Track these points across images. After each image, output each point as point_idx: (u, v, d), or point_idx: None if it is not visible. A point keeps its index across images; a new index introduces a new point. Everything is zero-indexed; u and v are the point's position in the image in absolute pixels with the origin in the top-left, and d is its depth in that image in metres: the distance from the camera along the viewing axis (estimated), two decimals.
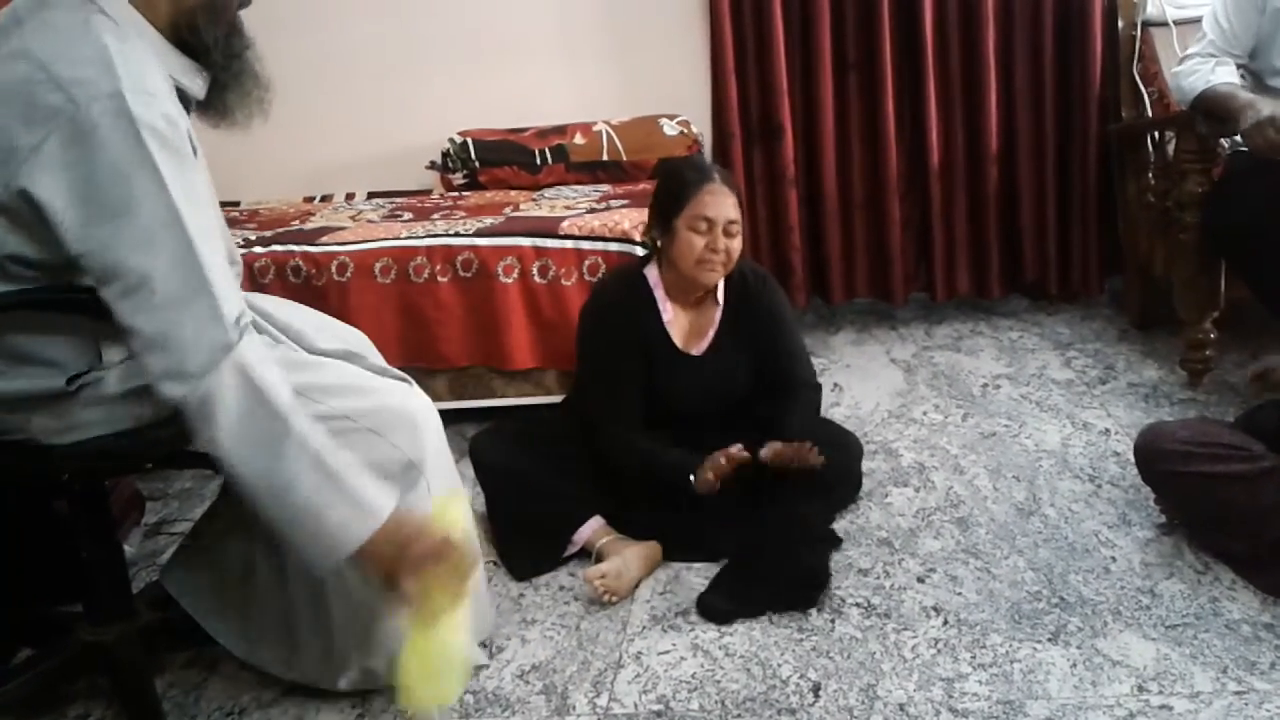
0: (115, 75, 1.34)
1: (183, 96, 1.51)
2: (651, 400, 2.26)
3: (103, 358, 1.48)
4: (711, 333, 2.28)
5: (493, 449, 2.32)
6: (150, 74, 1.39)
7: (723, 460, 2.09)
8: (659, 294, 2.26)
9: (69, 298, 1.42)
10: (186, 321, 1.35)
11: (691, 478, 2.11)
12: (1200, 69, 2.60)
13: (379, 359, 1.93)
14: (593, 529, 2.21)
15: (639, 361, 2.23)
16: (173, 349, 1.35)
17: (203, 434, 1.37)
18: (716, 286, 2.29)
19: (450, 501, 1.37)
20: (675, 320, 2.27)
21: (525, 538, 2.22)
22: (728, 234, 2.17)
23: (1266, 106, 2.39)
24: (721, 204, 2.16)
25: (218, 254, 1.40)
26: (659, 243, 2.24)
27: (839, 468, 2.26)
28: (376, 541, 1.42)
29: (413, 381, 1.78)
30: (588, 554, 2.20)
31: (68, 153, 1.32)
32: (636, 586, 2.10)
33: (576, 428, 2.34)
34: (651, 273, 2.28)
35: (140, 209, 1.33)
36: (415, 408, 1.70)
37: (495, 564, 2.21)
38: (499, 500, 2.29)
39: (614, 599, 2.04)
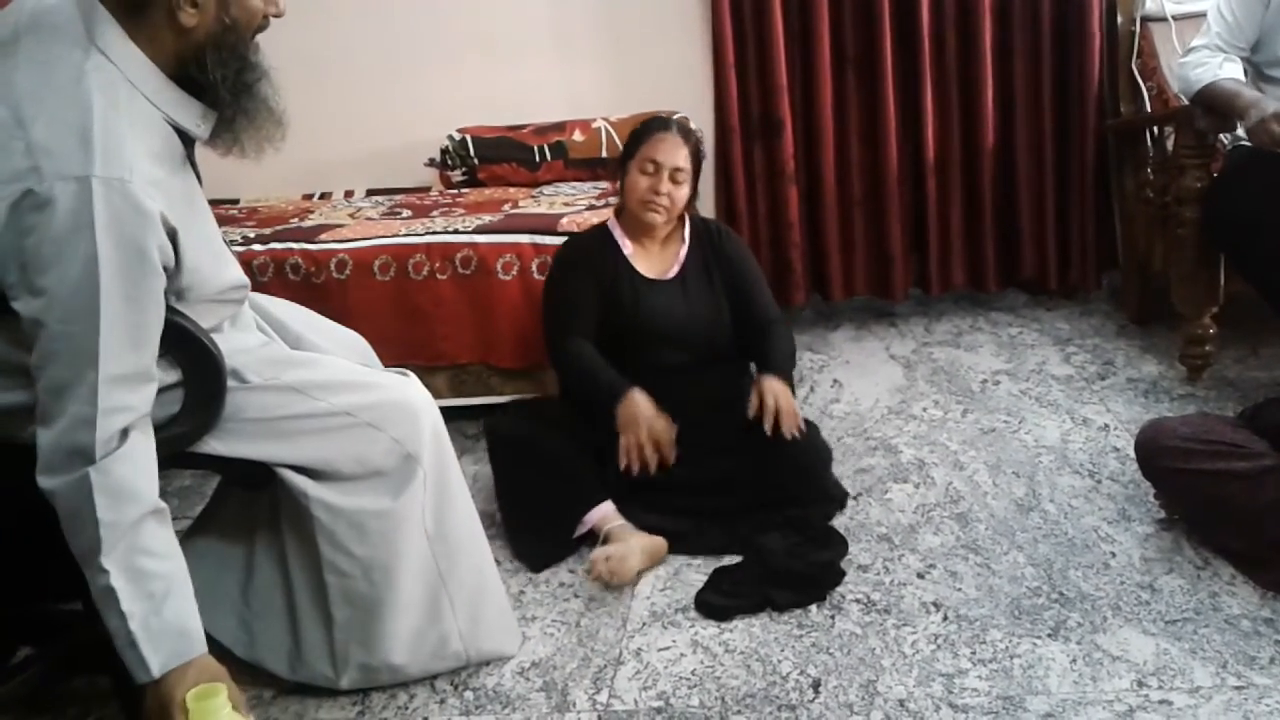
0: (90, 154, 1.31)
1: (184, 135, 1.50)
2: (628, 332, 2.38)
3: None
4: (677, 265, 2.43)
5: (510, 424, 2.38)
6: (129, 153, 1.36)
7: (641, 455, 2.21)
8: (618, 232, 2.45)
9: None
10: (60, 417, 1.35)
11: (617, 408, 2.24)
12: (1209, 62, 2.60)
13: (377, 364, 1.93)
14: (603, 513, 2.23)
15: (593, 289, 2.38)
16: (44, 435, 1.36)
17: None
18: (683, 226, 2.46)
19: (208, 699, 1.29)
20: (637, 254, 2.43)
21: (538, 515, 2.25)
22: (674, 180, 2.34)
23: (1271, 104, 2.39)
24: (671, 151, 2.34)
25: (133, 356, 1.38)
26: (619, 186, 2.44)
27: (813, 478, 2.31)
28: (147, 696, 1.39)
29: (411, 374, 1.78)
30: (594, 538, 2.21)
31: (19, 218, 1.31)
32: (639, 576, 2.10)
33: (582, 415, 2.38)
34: (612, 219, 2.50)
35: (61, 294, 1.32)
36: (414, 399, 1.71)
37: (496, 561, 2.21)
38: (513, 475, 2.32)
39: (616, 580, 2.05)
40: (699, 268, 2.44)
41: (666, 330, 2.37)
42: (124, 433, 1.39)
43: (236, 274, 1.63)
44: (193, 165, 1.57)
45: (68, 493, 1.36)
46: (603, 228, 2.49)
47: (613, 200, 3.01)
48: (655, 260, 2.45)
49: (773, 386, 2.27)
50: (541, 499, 2.25)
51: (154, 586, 1.40)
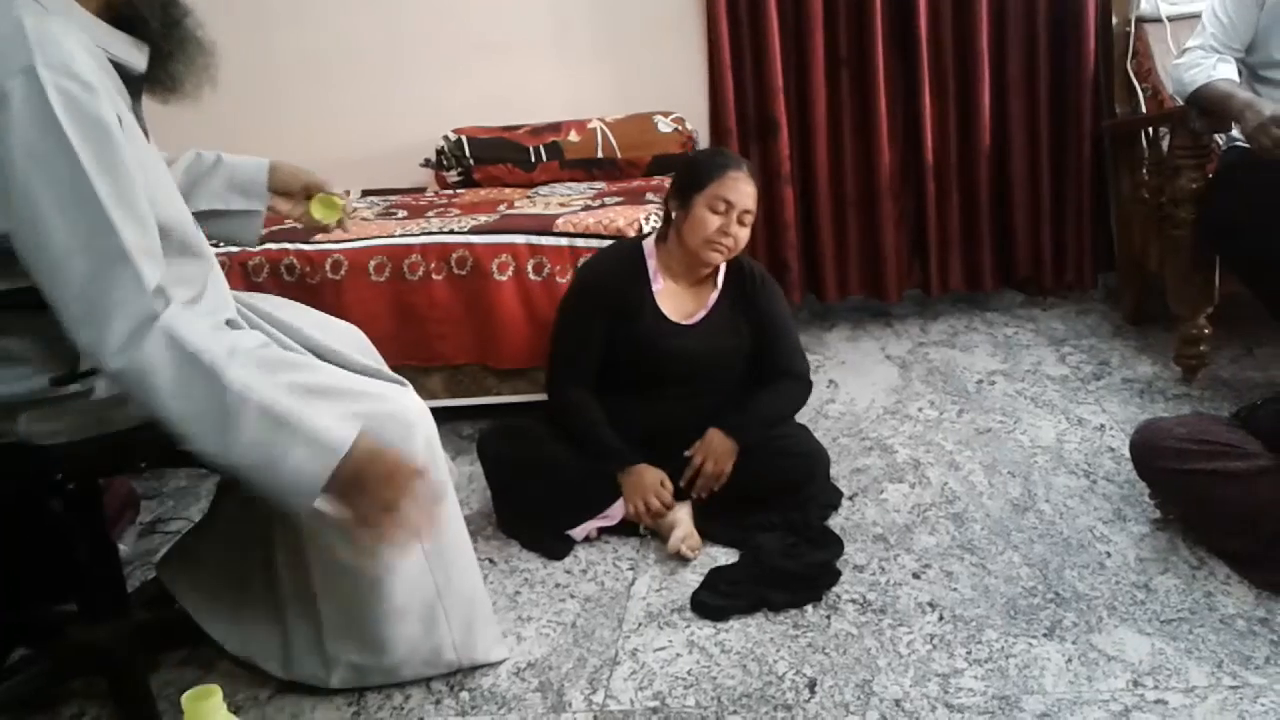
0: (29, 49, 1.33)
1: (125, 75, 1.50)
2: (639, 366, 2.32)
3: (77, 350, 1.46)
4: (703, 312, 2.34)
5: (502, 446, 2.35)
6: (68, 47, 1.37)
7: (650, 507, 2.22)
8: (651, 265, 2.34)
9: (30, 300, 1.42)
10: (109, 294, 1.34)
11: (619, 474, 2.24)
12: (1202, 63, 2.61)
13: (376, 355, 1.92)
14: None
15: (606, 328, 2.30)
16: (97, 323, 1.34)
17: (145, 406, 1.37)
18: (717, 271, 2.36)
19: (203, 699, 1.26)
20: (666, 291, 2.34)
21: (549, 526, 2.27)
22: (741, 222, 2.25)
23: (1267, 107, 2.39)
24: (744, 191, 2.24)
25: (139, 223, 1.39)
26: (674, 215, 2.30)
27: (804, 477, 2.30)
28: (342, 479, 1.41)
29: (408, 383, 1.77)
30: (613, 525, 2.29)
31: None
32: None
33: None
34: (649, 245, 2.36)
35: (53, 184, 1.33)
36: (408, 410, 1.69)
37: (491, 561, 2.21)
38: (515, 495, 2.32)
39: (699, 551, 2.17)
40: (725, 314, 2.35)
41: (679, 373, 2.32)
42: (161, 290, 1.39)
43: (195, 228, 1.63)
44: (139, 119, 1.57)
45: (154, 352, 1.35)
46: (636, 251, 2.36)
47: (609, 200, 3.02)
48: (684, 301, 2.34)
49: (713, 446, 2.25)
50: (549, 512, 2.27)
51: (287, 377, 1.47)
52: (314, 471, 1.39)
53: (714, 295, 2.35)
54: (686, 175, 2.30)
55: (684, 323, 2.33)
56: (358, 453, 1.41)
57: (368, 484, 1.42)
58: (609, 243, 2.60)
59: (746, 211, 2.25)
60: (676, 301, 2.34)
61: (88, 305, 1.34)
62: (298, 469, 1.39)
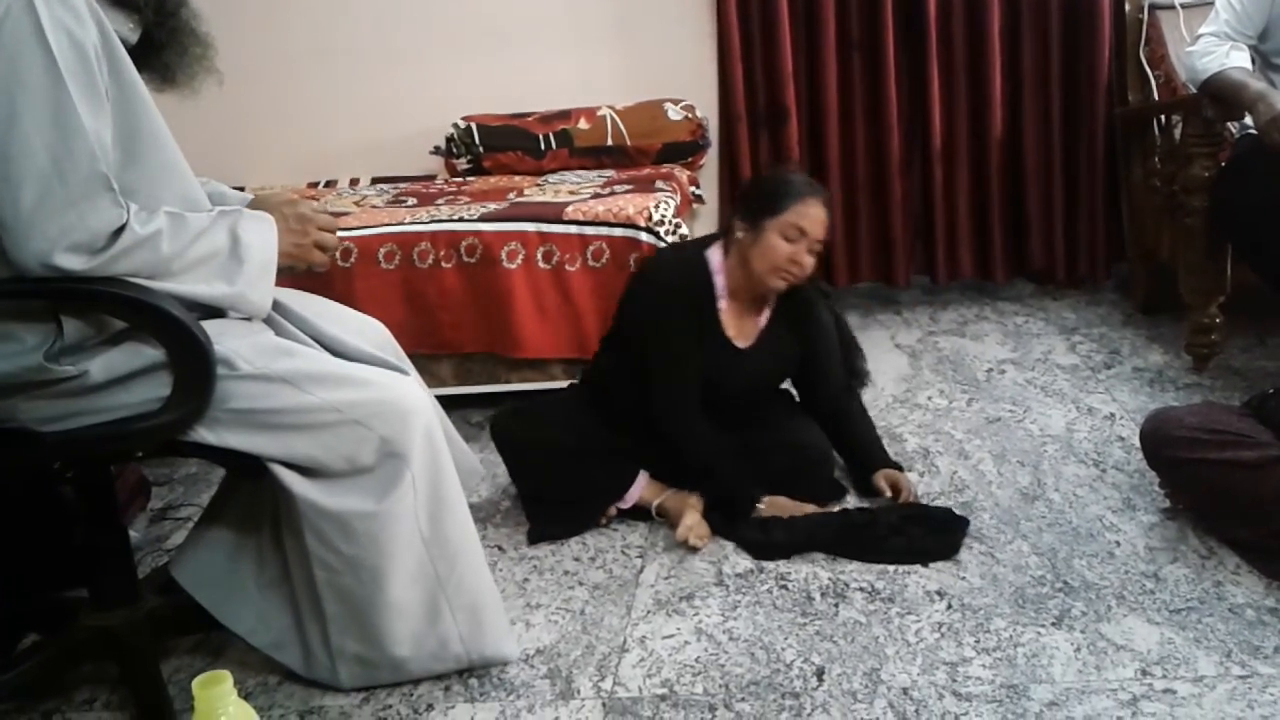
0: None
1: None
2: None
3: (62, 328, 1.45)
4: (757, 333, 2.29)
5: (517, 428, 2.34)
6: None
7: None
8: (719, 282, 2.25)
9: (20, 289, 1.42)
10: (86, 218, 1.37)
11: (759, 505, 2.19)
12: (1215, 50, 2.59)
13: (395, 349, 1.87)
14: (643, 486, 2.27)
15: (700, 351, 2.22)
16: (70, 236, 1.37)
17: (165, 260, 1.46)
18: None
19: (213, 686, 1.26)
20: (729, 310, 2.26)
21: (563, 506, 2.27)
22: (811, 250, 2.17)
23: (1279, 101, 2.38)
24: (819, 220, 2.16)
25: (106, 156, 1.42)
26: (739, 235, 2.20)
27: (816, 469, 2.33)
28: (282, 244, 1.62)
29: (412, 371, 1.76)
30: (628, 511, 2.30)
31: None
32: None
33: (591, 402, 2.37)
34: (714, 258, 2.26)
35: (36, 106, 1.34)
36: (406, 399, 1.64)
37: (500, 549, 2.22)
38: (529, 476, 2.33)
39: (706, 542, 2.16)
40: (774, 338, 2.29)
41: (725, 394, 2.26)
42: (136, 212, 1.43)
43: (193, 182, 1.65)
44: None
45: (130, 246, 1.41)
46: (701, 264, 2.25)
47: (619, 188, 3.01)
48: (741, 323, 2.27)
49: (907, 484, 2.26)
50: (565, 494, 2.27)
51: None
52: (268, 242, 1.59)
53: (767, 313, 2.29)
54: (758, 198, 2.21)
55: (742, 346, 2.27)
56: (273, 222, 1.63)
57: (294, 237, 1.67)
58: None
59: (819, 241, 2.17)
60: (736, 322, 2.27)
61: (60, 225, 1.36)
62: (258, 249, 1.57)
